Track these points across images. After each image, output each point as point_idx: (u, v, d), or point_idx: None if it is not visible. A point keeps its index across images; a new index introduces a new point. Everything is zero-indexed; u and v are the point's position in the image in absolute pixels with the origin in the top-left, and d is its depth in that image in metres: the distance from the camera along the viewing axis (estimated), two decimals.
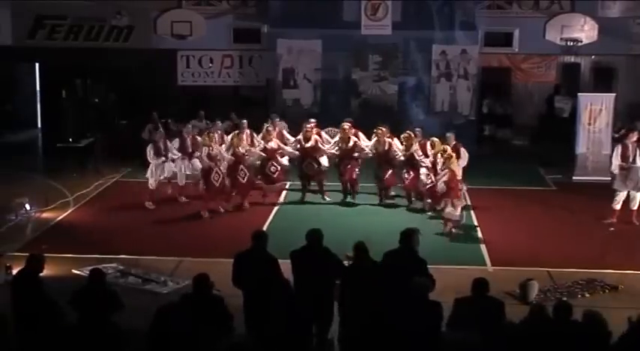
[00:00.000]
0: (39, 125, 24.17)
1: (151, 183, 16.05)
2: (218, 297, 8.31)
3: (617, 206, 15.10)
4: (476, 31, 21.92)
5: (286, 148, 16.31)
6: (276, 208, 15.85)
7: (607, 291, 11.61)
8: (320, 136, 16.44)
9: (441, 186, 14.22)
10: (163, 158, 16.03)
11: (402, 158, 15.56)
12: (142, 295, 10.91)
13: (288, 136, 16.90)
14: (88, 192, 17.02)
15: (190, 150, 16.32)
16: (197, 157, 15.86)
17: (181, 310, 7.75)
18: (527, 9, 22.36)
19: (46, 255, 9.21)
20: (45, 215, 15.33)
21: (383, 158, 15.80)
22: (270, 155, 16.07)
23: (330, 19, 21.29)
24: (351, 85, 22.48)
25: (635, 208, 15.06)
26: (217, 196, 15.44)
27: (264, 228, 13.74)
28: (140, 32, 22.46)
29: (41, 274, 8.85)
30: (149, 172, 16.07)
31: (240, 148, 15.64)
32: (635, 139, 15.16)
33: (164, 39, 21.76)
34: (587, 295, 11.41)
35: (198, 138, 16.36)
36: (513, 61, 22.93)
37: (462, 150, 15.20)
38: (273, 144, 16.07)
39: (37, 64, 24.05)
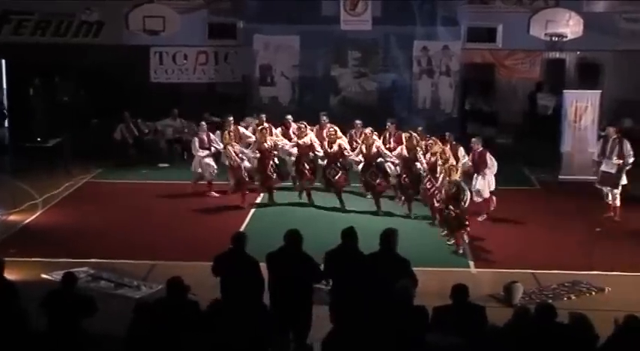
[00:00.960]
0: (6, 124, 24.01)
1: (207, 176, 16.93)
2: (193, 301, 8.30)
3: (607, 200, 15.52)
4: (458, 27, 21.99)
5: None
6: (253, 210, 15.84)
7: (593, 293, 11.72)
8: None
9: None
10: (207, 151, 16.89)
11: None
12: (114, 300, 10.88)
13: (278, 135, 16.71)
14: (58, 193, 16.94)
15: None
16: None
17: (157, 314, 7.76)
18: (511, 4, 22.43)
19: (13, 259, 9.18)
20: (12, 218, 15.25)
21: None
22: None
23: (308, 14, 21.28)
24: (330, 82, 22.49)
25: (613, 204, 15.40)
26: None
27: (242, 229, 13.76)
28: (111, 28, 22.32)
29: (9, 279, 8.81)
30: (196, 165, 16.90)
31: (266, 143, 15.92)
32: (615, 135, 15.47)
33: (136, 35, 21.65)
34: (573, 297, 11.52)
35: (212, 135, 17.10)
36: (497, 57, 23.00)
37: (461, 150, 15.27)
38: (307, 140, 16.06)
39: (2, 61, 23.86)
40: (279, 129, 16.83)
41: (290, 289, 8.75)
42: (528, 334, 7.59)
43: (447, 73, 22.07)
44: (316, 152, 16.10)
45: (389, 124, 16.56)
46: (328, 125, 16.56)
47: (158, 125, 20.99)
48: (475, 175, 15.25)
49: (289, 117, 17.13)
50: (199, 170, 17.02)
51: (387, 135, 16.35)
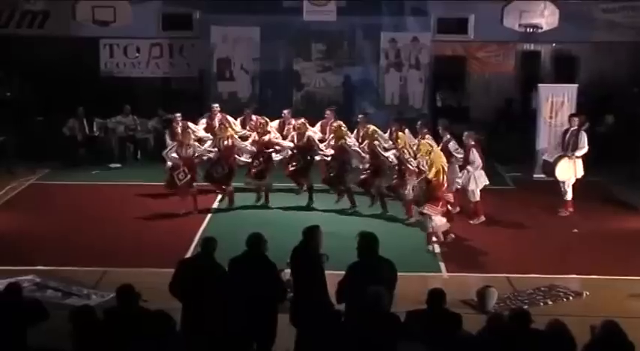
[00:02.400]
0: None
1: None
2: (143, 309, 8.23)
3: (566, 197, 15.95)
4: (428, 17, 22.12)
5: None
6: (210, 214, 15.76)
7: (571, 298, 11.81)
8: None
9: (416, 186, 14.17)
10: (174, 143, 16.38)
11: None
12: (62, 311, 10.74)
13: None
14: (0, 196, 16.73)
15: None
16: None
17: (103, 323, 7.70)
18: None
19: None
20: None
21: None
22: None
23: (269, 4, 21.29)
24: (292, 76, 22.50)
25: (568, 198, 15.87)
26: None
27: (198, 234, 13.71)
28: (57, 18, 22.13)
29: None
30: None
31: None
32: (576, 126, 15.84)
33: (84, 26, 21.50)
34: (550, 302, 11.60)
35: None
36: (468, 49, 23.15)
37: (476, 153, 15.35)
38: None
39: None
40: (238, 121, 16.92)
41: (254, 298, 8.69)
42: (503, 342, 7.62)
43: (416, 67, 22.17)
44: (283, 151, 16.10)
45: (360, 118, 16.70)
46: (293, 119, 16.62)
47: (109, 123, 20.84)
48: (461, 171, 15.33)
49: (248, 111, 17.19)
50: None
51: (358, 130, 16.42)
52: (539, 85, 19.75)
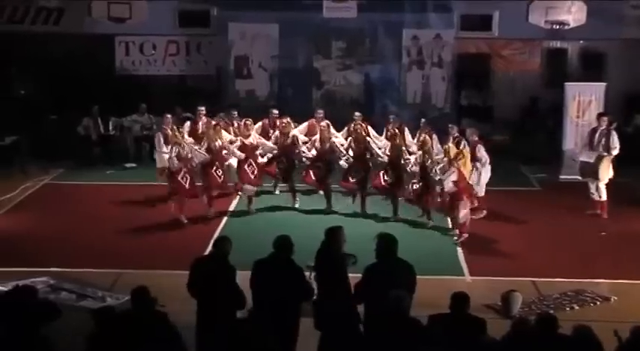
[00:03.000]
0: None
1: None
2: (161, 313, 8.27)
3: (592, 196, 15.91)
4: (451, 14, 22.07)
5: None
6: (226, 217, 15.78)
7: (598, 303, 11.76)
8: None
9: (449, 185, 14.21)
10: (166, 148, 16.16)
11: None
12: (76, 313, 10.81)
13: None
14: (14, 196, 16.85)
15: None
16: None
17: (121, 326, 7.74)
18: None
19: None
20: None
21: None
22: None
23: (287, 0, 21.30)
24: (312, 74, 22.52)
25: (602, 199, 15.81)
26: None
27: (215, 236, 13.72)
28: (72, 15, 22.26)
29: None
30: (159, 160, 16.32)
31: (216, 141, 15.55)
32: (604, 126, 15.84)
33: (100, 23, 21.61)
34: (577, 307, 11.55)
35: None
36: (493, 46, 23.08)
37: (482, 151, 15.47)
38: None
39: None
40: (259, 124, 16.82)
41: (277, 301, 8.72)
42: (527, 348, 7.59)
43: (438, 65, 22.14)
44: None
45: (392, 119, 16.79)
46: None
47: (124, 122, 20.92)
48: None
49: (275, 111, 17.09)
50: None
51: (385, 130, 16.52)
52: (566, 83, 19.65)
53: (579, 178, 16.66)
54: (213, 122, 16.09)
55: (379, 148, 15.63)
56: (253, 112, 17.70)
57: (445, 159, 14.43)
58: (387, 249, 8.75)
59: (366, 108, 20.94)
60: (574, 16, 21.24)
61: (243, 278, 9.03)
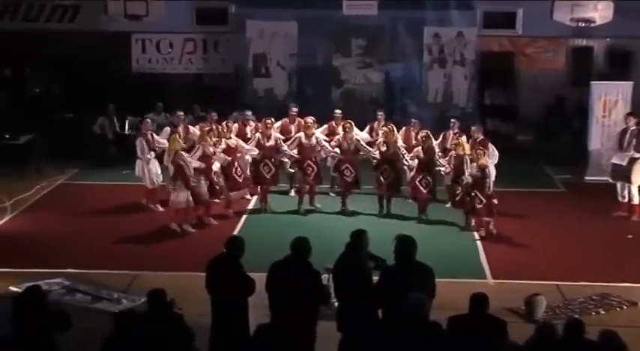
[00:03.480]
0: None
1: (148, 182, 16.14)
2: (177, 314, 8.32)
3: (619, 198, 15.86)
4: (474, 11, 22.01)
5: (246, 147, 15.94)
6: (244, 217, 15.82)
7: (625, 307, 11.71)
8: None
9: (467, 180, 14.58)
10: (153, 153, 16.16)
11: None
12: (91, 315, 10.87)
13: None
14: (29, 196, 16.93)
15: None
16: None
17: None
18: None
19: None
20: None
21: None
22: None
23: None
24: (331, 72, 22.53)
25: (634, 202, 15.70)
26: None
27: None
28: (88, 12, 22.35)
29: None
30: (139, 169, 16.12)
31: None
32: (635, 126, 15.84)
33: (116, 20, 21.67)
34: (602, 312, 11.50)
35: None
36: (516, 44, 23.01)
37: (491, 146, 15.58)
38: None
39: None
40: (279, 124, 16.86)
41: (294, 304, 8.74)
42: None
43: (461, 63, 22.09)
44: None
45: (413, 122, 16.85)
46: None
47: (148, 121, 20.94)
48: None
49: (294, 109, 17.13)
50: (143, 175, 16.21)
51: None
52: (592, 82, 19.57)
53: (606, 179, 16.61)
54: (207, 127, 15.76)
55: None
56: (271, 112, 17.74)
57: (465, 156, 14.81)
58: (405, 251, 8.76)
59: (386, 107, 20.94)
60: (600, 13, 21.10)
61: (259, 280, 9.06)
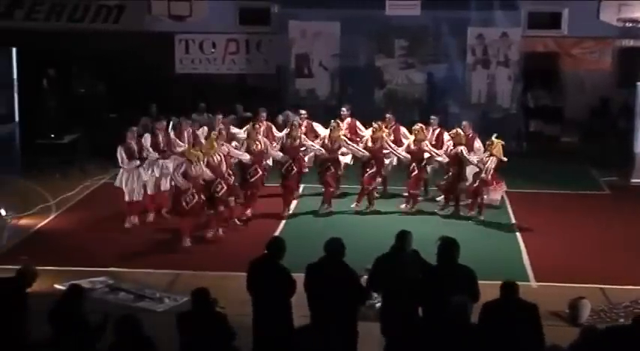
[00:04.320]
0: (16, 119, 24.28)
1: (126, 194, 15.27)
2: (220, 314, 8.38)
3: None
4: (518, 11, 21.90)
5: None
6: (284, 220, 15.81)
7: None
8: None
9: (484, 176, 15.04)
10: (137, 162, 15.25)
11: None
12: (134, 314, 10.94)
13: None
14: (73, 195, 17.09)
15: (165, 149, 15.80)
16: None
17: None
18: None
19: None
20: (23, 222, 15.42)
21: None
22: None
23: None
24: (374, 73, 22.50)
25: None
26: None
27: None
28: (132, 12, 22.55)
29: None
30: (120, 180, 15.29)
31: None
32: None
33: (160, 20, 21.85)
34: None
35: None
36: (562, 45, 22.85)
37: (479, 142, 15.64)
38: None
39: (13, 49, 24.14)
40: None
41: (332, 305, 8.75)
42: None
43: (504, 64, 21.99)
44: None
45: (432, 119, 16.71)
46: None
47: (183, 121, 21.05)
48: None
49: (345, 110, 17.12)
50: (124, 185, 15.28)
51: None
52: (639, 83, 19.38)
53: None
54: (213, 133, 15.45)
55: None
56: (314, 112, 17.75)
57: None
58: (448, 253, 8.77)
59: (429, 108, 20.91)
60: None
61: (299, 281, 9.09)
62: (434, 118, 16.47)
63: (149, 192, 15.57)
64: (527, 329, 7.98)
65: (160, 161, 15.58)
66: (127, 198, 15.24)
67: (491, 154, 15.09)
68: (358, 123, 16.90)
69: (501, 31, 21.82)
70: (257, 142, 15.51)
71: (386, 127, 16.00)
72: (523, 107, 22.46)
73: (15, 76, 24.16)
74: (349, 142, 15.96)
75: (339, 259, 8.90)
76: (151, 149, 15.51)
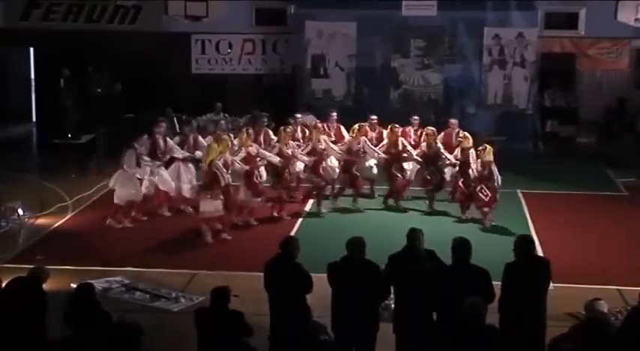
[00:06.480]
0: (33, 119, 24.41)
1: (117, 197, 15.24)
2: (238, 312, 8.39)
3: None
4: (535, 12, 21.83)
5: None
6: (301, 218, 15.83)
7: None
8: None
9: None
10: (139, 169, 15.32)
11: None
12: (150, 313, 10.98)
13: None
14: (90, 195, 17.11)
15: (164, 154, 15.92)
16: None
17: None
18: None
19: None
20: (40, 221, 15.46)
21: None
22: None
23: None
24: (390, 73, 22.46)
25: None
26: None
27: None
28: (149, 13, 22.62)
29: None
30: (115, 181, 15.25)
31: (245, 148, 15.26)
32: None
33: (176, 21, 21.88)
34: None
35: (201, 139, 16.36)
36: (579, 45, 22.76)
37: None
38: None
39: (31, 50, 24.28)
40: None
41: (356, 304, 8.75)
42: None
43: (521, 64, 21.92)
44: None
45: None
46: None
47: (199, 121, 21.10)
48: None
49: (373, 118, 16.90)
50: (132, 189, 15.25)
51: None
52: None
53: None
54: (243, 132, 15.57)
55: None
56: (329, 112, 17.69)
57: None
58: (461, 253, 8.80)
59: (445, 108, 20.88)
60: None
61: (317, 281, 9.08)
62: (416, 119, 16.60)
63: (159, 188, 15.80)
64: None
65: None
66: (115, 200, 15.19)
67: (480, 159, 14.91)
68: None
69: (518, 32, 21.75)
70: (287, 146, 15.50)
71: (415, 131, 16.19)
72: (539, 108, 22.39)
73: (32, 76, 24.39)
74: (370, 145, 15.97)
75: (361, 257, 8.90)
76: (179, 148, 16.00)
